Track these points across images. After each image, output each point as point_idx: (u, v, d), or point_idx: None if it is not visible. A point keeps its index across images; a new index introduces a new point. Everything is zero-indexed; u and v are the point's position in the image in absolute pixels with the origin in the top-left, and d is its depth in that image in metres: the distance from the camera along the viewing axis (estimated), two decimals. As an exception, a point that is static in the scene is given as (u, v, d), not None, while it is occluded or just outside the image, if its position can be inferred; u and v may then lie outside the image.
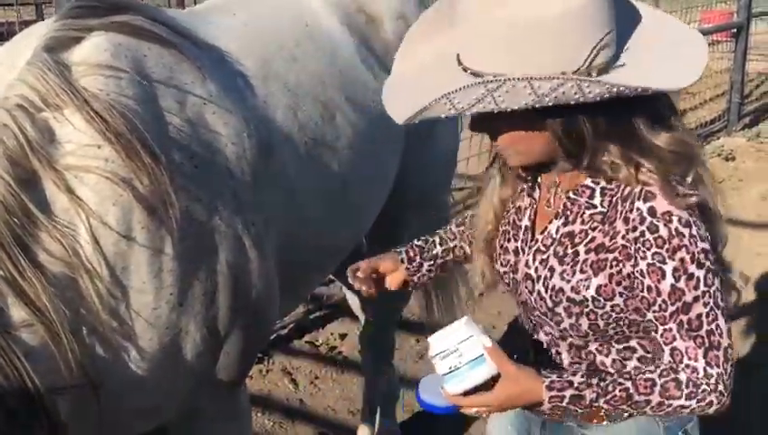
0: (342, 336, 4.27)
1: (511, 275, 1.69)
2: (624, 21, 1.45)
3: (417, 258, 1.90)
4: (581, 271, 1.53)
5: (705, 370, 1.45)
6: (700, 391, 1.46)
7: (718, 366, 1.45)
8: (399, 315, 3.55)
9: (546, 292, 1.58)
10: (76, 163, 1.63)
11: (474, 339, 1.49)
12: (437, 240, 1.93)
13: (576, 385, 1.47)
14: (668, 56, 1.44)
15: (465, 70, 1.42)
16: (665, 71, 1.41)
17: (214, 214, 1.83)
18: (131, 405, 1.75)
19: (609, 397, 1.46)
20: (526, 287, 1.64)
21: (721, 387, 1.46)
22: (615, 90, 1.34)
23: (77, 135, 1.64)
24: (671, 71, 1.42)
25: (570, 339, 1.62)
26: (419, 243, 1.93)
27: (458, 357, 1.48)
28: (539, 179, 1.65)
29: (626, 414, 1.53)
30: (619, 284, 1.50)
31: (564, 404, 1.47)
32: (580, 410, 1.48)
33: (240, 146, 1.95)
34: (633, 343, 1.59)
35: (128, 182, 1.66)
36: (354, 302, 3.54)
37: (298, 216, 2.15)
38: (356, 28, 2.55)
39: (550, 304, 1.58)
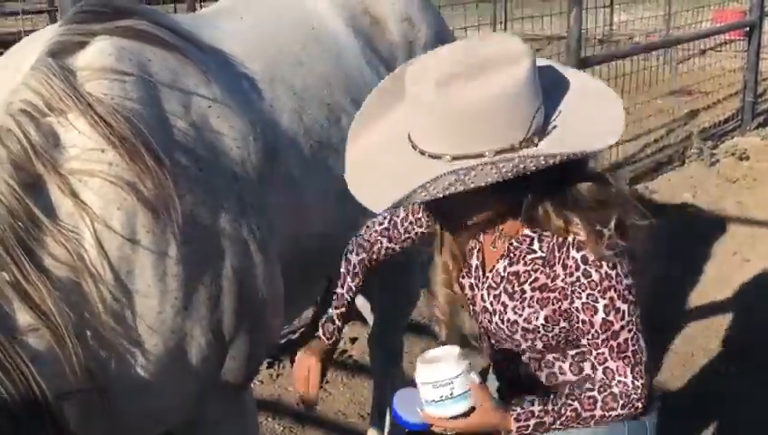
0: (353, 340, 4.26)
1: (471, 307, 1.92)
2: (551, 86, 1.65)
3: (338, 330, 2.06)
4: (530, 306, 1.78)
5: (633, 382, 1.75)
6: (630, 399, 1.75)
7: (642, 378, 1.76)
8: (408, 318, 3.54)
9: (502, 323, 1.83)
10: (80, 167, 1.63)
11: (464, 376, 1.68)
12: (351, 295, 2.07)
13: (537, 414, 1.72)
14: (592, 117, 1.63)
15: (422, 153, 1.58)
16: (591, 132, 1.60)
17: (218, 217, 1.83)
18: (137, 409, 1.75)
19: (562, 419, 1.74)
20: (485, 318, 1.88)
21: (645, 394, 1.76)
22: (563, 157, 1.54)
23: (81, 139, 1.64)
24: (596, 132, 1.60)
25: (528, 353, 1.87)
26: (336, 312, 2.05)
27: (449, 390, 1.67)
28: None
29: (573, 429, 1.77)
30: (560, 315, 1.76)
31: (529, 432, 1.73)
32: (541, 433, 1.74)
33: (245, 149, 1.94)
34: (584, 347, 1.81)
35: (132, 186, 1.66)
36: (364, 306, 3.53)
37: (303, 219, 2.15)
38: (361, 30, 2.55)
39: (507, 332, 1.83)
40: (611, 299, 1.69)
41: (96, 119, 1.64)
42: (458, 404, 1.68)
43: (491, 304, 1.84)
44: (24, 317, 1.52)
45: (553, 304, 1.75)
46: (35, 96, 1.63)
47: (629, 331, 1.72)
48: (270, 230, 1.99)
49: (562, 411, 1.73)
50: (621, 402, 1.74)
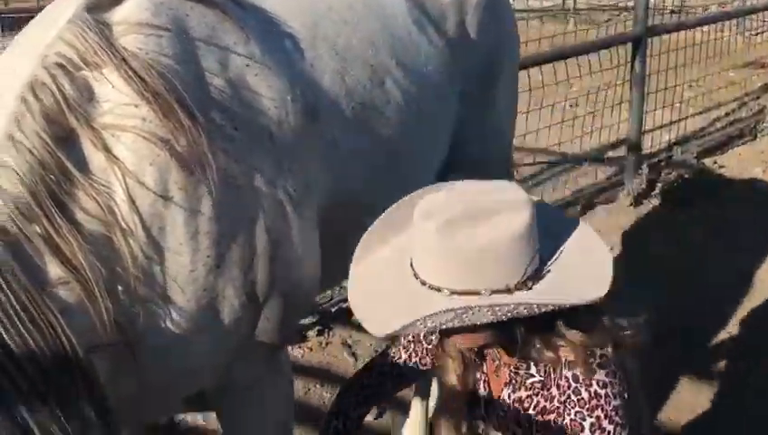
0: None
1: (486, 428, 1.98)
2: (549, 231, 1.74)
3: None
4: (537, 430, 1.83)
5: None
6: None
7: None
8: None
9: None
10: (113, 122, 1.61)
11: None
12: None
13: None
14: (584, 267, 1.72)
15: (423, 283, 1.69)
16: (582, 282, 1.69)
17: (254, 177, 1.80)
18: (167, 367, 1.74)
19: None
20: None
21: None
22: (555, 307, 1.65)
23: (115, 94, 1.63)
24: (587, 282, 1.69)
25: None
26: None
27: None
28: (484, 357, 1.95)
29: None
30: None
31: None
32: None
33: (283, 109, 1.91)
34: None
35: (165, 142, 1.64)
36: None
37: (343, 184, 2.11)
38: None
39: None
40: (598, 418, 1.73)
41: (130, 73, 1.63)
42: None
43: (502, 429, 1.91)
44: (54, 270, 1.52)
45: (555, 425, 1.80)
46: (70, 50, 1.62)
47: None
48: (307, 193, 1.96)
49: None
50: None
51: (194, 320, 1.72)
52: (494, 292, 1.65)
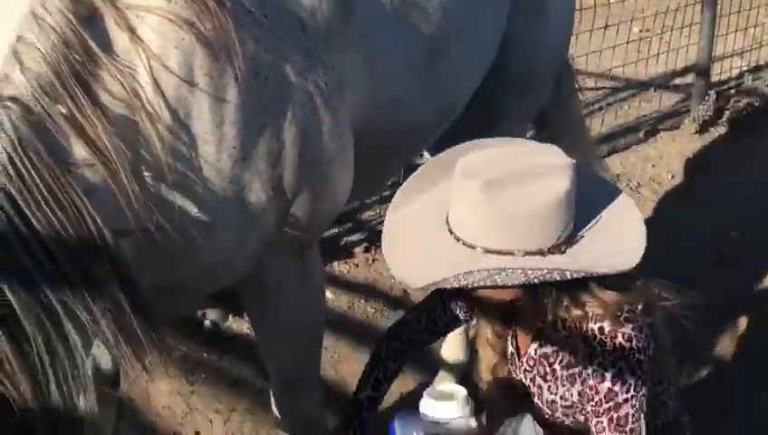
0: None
1: (512, 392, 2.03)
2: (586, 196, 1.77)
3: (365, 428, 2.11)
4: (562, 385, 1.88)
5: None
6: None
7: None
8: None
9: (543, 404, 1.95)
10: (138, 2, 1.58)
11: (464, 419, 1.80)
12: (381, 398, 2.17)
13: None
14: (619, 235, 1.76)
15: (457, 239, 1.72)
16: (616, 250, 1.72)
17: (283, 68, 1.76)
18: (196, 258, 1.74)
19: None
20: (526, 401, 2.00)
21: None
22: (583, 274, 1.67)
23: None
24: (620, 251, 1.72)
25: (574, 427, 1.96)
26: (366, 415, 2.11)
27: (446, 430, 1.79)
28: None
29: None
30: (587, 389, 1.83)
31: None
32: None
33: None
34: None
35: (190, 25, 1.60)
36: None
37: (378, 84, 2.05)
38: None
39: (549, 411, 1.95)
40: (620, 370, 1.75)
41: None
42: None
43: (529, 387, 1.96)
44: (78, 151, 1.51)
45: (579, 377, 1.83)
46: None
47: (632, 406, 1.76)
48: (340, 89, 1.91)
49: None
50: None
51: (219, 211, 1.71)
52: (527, 253, 1.68)
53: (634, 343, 1.77)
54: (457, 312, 2.13)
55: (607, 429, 1.80)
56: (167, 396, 3.16)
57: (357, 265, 3.94)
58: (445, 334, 2.21)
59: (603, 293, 1.78)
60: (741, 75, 5.76)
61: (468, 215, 1.71)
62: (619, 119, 5.23)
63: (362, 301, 3.71)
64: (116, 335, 1.46)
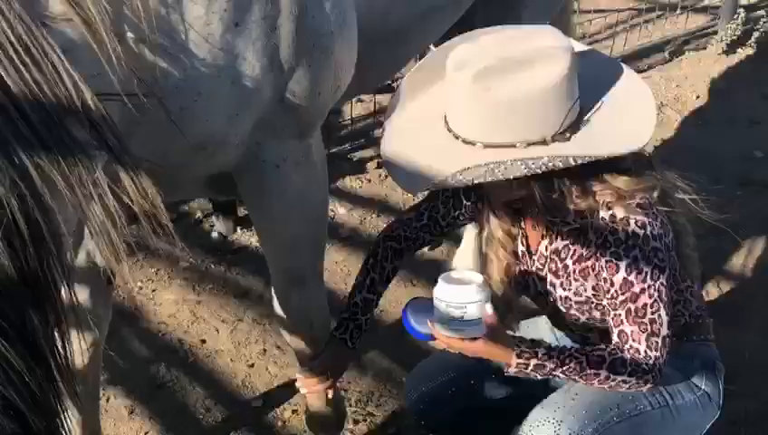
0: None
1: (526, 293, 1.98)
2: (589, 79, 1.65)
3: (363, 332, 2.05)
4: (575, 280, 1.81)
5: (645, 352, 1.69)
6: (640, 369, 1.69)
7: (657, 350, 1.70)
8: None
9: (557, 302, 1.88)
10: None
11: (480, 304, 1.68)
12: (378, 300, 2.08)
13: (540, 356, 1.70)
14: (624, 117, 1.64)
15: (456, 137, 1.64)
16: (622, 133, 1.62)
17: None
18: (187, 132, 1.63)
19: (565, 368, 1.70)
20: (540, 300, 1.96)
21: (656, 369, 1.70)
22: (588, 158, 1.57)
23: None
24: (626, 133, 1.62)
25: (590, 325, 1.89)
26: (364, 319, 2.04)
27: (462, 313, 1.67)
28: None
29: (578, 382, 1.74)
30: (603, 282, 1.74)
31: (528, 371, 1.72)
32: (539, 376, 1.73)
33: None
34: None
35: None
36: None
37: None
38: None
39: (563, 309, 1.88)
40: (635, 258, 1.66)
41: None
42: (466, 329, 1.69)
43: (542, 286, 1.89)
44: (54, 4, 1.40)
45: (593, 271, 1.75)
46: None
47: (650, 296, 1.68)
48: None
49: (566, 362, 1.69)
50: (629, 369, 1.69)
51: (210, 81, 1.60)
52: (529, 144, 1.59)
53: (648, 230, 1.67)
54: (462, 211, 2.02)
55: (625, 321, 1.71)
56: (172, 305, 3.12)
57: (369, 181, 3.85)
58: (445, 234, 2.10)
59: (614, 178, 1.68)
60: (771, -2, 5.54)
61: (464, 109, 1.62)
62: (642, 39, 5.06)
63: (374, 216, 3.63)
64: (95, 213, 1.35)
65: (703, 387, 1.89)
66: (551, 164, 1.57)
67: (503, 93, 1.56)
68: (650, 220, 1.68)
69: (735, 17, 4.97)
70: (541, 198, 1.72)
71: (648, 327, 1.69)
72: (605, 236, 1.70)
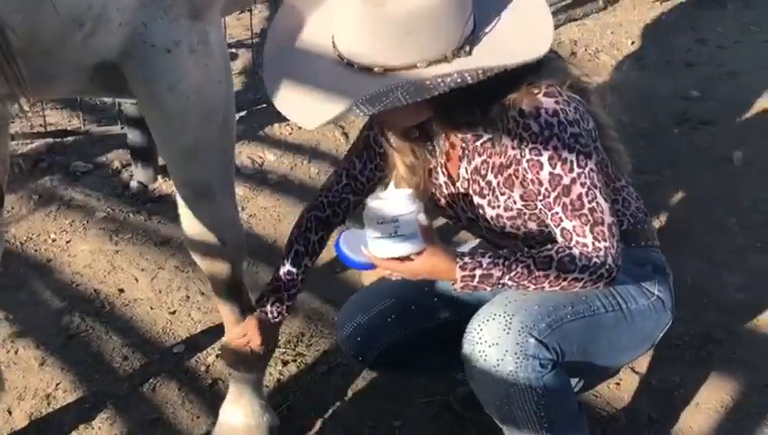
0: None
1: (458, 223, 1.88)
2: None
3: (287, 310, 1.95)
4: (501, 193, 1.69)
5: (593, 244, 1.59)
6: (591, 263, 1.58)
7: (605, 240, 1.59)
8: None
9: (489, 224, 1.76)
10: None
11: (412, 215, 1.56)
12: (305, 275, 1.95)
13: (484, 265, 1.59)
14: (522, 25, 1.55)
15: (350, 64, 1.51)
16: (522, 40, 1.53)
17: None
18: (65, 1, 1.45)
19: (512, 274, 1.59)
20: (473, 228, 1.86)
21: (610, 260, 1.59)
22: (489, 72, 1.49)
23: None
24: (527, 40, 1.53)
25: (531, 241, 1.76)
26: (288, 293, 1.93)
27: (395, 228, 1.55)
28: (435, 142, 1.79)
29: (529, 289, 1.63)
30: (530, 185, 1.64)
31: (474, 283, 1.60)
32: (488, 288, 1.61)
33: None
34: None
35: None
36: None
37: None
38: None
39: (498, 230, 1.77)
40: (555, 148, 1.57)
41: None
42: (402, 245, 1.57)
43: (471, 212, 1.79)
44: None
45: (517, 178, 1.65)
46: None
47: (582, 185, 1.58)
48: None
49: (513, 267, 1.59)
50: (580, 265, 1.58)
51: None
52: (431, 63, 1.49)
53: (561, 116, 1.57)
54: (378, 161, 1.90)
55: (564, 217, 1.60)
56: (88, 256, 2.91)
57: (300, 128, 3.68)
58: (369, 191, 1.96)
59: (515, 97, 1.60)
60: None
61: (357, 33, 1.49)
62: (576, -11, 5.00)
63: (305, 162, 3.47)
64: None
65: (656, 292, 1.78)
66: (460, 80, 1.47)
67: (398, 9, 1.45)
68: (562, 107, 1.59)
69: (668, -36, 4.94)
70: (444, 118, 1.64)
71: (590, 217, 1.58)
72: (519, 135, 1.60)
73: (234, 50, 4.14)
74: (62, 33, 1.51)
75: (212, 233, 1.96)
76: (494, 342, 1.63)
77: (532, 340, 1.62)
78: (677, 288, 1.91)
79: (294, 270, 1.92)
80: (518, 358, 1.61)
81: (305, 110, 1.55)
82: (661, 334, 1.85)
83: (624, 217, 1.80)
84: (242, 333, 2.01)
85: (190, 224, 1.96)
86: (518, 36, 1.54)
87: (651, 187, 3.18)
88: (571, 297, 1.68)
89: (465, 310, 1.82)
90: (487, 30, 1.55)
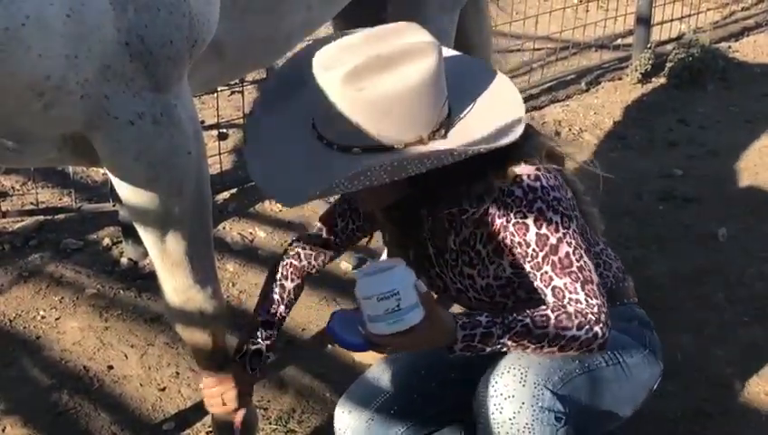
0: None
1: (446, 293, 1.89)
2: (456, 77, 1.64)
3: (265, 360, 1.97)
4: (491, 262, 1.73)
5: (586, 301, 1.59)
6: (587, 320, 1.58)
7: (596, 298, 1.60)
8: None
9: (479, 294, 1.79)
10: None
11: (412, 285, 1.53)
12: (282, 323, 1.99)
13: (484, 324, 1.58)
14: (495, 108, 1.64)
15: (330, 145, 1.56)
16: (496, 123, 1.60)
17: None
18: (15, 63, 1.47)
19: (512, 332, 1.57)
20: (462, 299, 1.87)
21: (603, 317, 1.59)
22: (468, 153, 1.53)
23: None
24: (501, 122, 1.60)
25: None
26: (265, 344, 1.95)
27: (396, 301, 1.50)
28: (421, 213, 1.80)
29: (528, 350, 1.62)
30: (518, 248, 1.66)
31: (476, 343, 1.58)
32: (488, 349, 1.59)
33: None
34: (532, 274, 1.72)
35: None
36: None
37: None
38: None
39: (488, 299, 1.79)
40: (540, 210, 1.62)
41: None
42: (406, 318, 1.52)
43: (460, 283, 1.81)
44: None
45: (504, 246, 1.69)
46: None
47: (569, 244, 1.62)
48: None
49: (512, 326, 1.58)
50: (576, 322, 1.58)
51: (41, 4, 1.45)
52: (408, 144, 1.54)
53: (543, 181, 1.65)
54: (360, 223, 1.96)
55: (555, 276, 1.63)
56: (77, 332, 2.90)
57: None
58: (345, 247, 2.03)
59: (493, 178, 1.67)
60: (681, 35, 5.71)
61: (335, 113, 1.54)
62: (558, 71, 5.12)
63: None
64: None
65: (648, 345, 1.84)
66: (435, 161, 1.52)
67: (376, 93, 1.50)
68: (542, 173, 1.66)
69: (648, 47, 5.09)
70: (426, 196, 1.69)
71: (579, 275, 1.62)
72: (504, 202, 1.65)
73: (224, 130, 4.19)
74: (23, 101, 1.54)
75: (191, 304, 1.97)
76: (510, 394, 1.63)
77: (548, 392, 1.64)
78: (668, 362, 1.94)
79: (270, 319, 1.95)
80: (534, 411, 1.62)
81: (286, 188, 1.60)
82: (655, 386, 1.90)
83: (607, 279, 1.85)
84: (222, 387, 1.99)
85: (169, 295, 1.97)
86: (491, 116, 1.62)
87: (638, 261, 3.22)
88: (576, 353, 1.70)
89: (468, 389, 1.81)
90: (462, 114, 1.62)
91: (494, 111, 1.64)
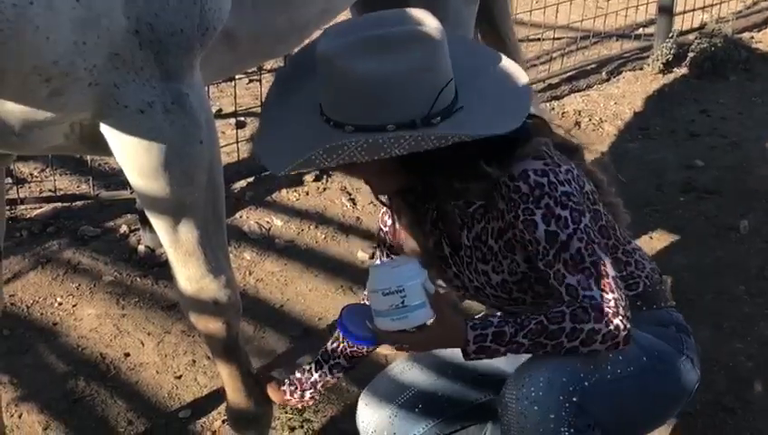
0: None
1: (466, 293, 1.88)
2: (463, 64, 1.61)
3: (298, 390, 2.09)
4: (504, 257, 1.71)
5: (602, 296, 1.56)
6: (604, 314, 1.55)
7: (613, 292, 1.57)
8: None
9: (496, 290, 1.76)
10: None
11: (419, 283, 1.52)
12: (319, 366, 2.07)
13: (496, 323, 1.57)
14: (497, 102, 1.61)
15: (327, 121, 1.57)
16: (496, 115, 1.58)
17: None
18: (23, 45, 1.45)
19: (526, 330, 1.56)
20: (480, 297, 1.85)
21: (622, 311, 1.56)
22: (451, 139, 1.52)
23: None
24: (498, 116, 1.58)
25: (539, 305, 1.74)
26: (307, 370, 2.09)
27: (402, 298, 1.50)
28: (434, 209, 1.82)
29: (548, 348, 1.59)
30: (530, 246, 1.64)
31: (488, 343, 1.57)
32: (503, 349, 1.57)
33: None
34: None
35: None
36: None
37: None
38: None
39: (506, 296, 1.76)
40: (547, 206, 1.59)
41: None
42: (411, 316, 1.51)
43: (476, 279, 1.79)
44: None
45: (515, 241, 1.67)
46: None
47: (580, 240, 1.59)
48: None
49: (526, 323, 1.57)
50: (593, 315, 1.55)
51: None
52: (399, 126, 1.52)
53: (551, 176, 1.61)
54: (390, 241, 1.94)
55: (567, 274, 1.59)
56: (94, 319, 2.90)
57: (307, 194, 3.71)
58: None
59: (487, 165, 1.64)
60: (703, 25, 5.63)
61: (332, 91, 1.56)
62: (579, 61, 5.07)
63: (312, 227, 3.48)
64: None
65: (685, 352, 1.77)
66: (413, 143, 1.50)
67: (371, 73, 1.50)
68: (551, 168, 1.62)
69: (670, 37, 5.03)
70: (425, 187, 1.70)
71: (593, 270, 1.58)
72: (511, 198, 1.62)
73: (242, 118, 4.18)
74: (28, 85, 1.52)
75: (204, 293, 1.95)
76: (537, 399, 1.58)
77: (576, 399, 1.59)
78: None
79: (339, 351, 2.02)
80: (561, 417, 1.57)
81: (277, 157, 1.62)
82: (693, 394, 1.83)
83: (640, 280, 1.79)
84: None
85: (183, 284, 1.96)
86: (492, 110, 1.60)
87: (658, 253, 3.18)
88: (607, 357, 1.65)
89: (491, 390, 1.81)
90: (462, 102, 1.59)
91: (497, 104, 1.61)
